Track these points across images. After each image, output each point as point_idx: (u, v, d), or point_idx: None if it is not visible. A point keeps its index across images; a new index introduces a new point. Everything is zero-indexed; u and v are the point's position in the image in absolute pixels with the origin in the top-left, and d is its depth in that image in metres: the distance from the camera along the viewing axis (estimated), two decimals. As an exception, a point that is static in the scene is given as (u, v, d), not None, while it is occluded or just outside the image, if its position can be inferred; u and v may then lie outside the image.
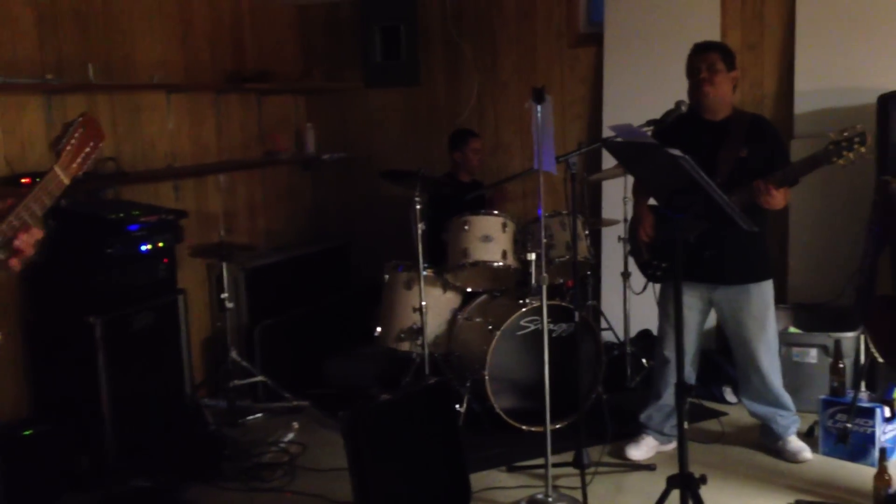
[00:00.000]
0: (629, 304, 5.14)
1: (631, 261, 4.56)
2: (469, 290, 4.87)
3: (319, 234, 6.46)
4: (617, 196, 5.15)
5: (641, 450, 4.12)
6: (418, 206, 4.42)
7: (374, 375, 5.01)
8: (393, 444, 3.29)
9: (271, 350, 5.17)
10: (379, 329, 4.82)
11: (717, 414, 4.59)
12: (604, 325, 5.38)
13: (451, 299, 4.84)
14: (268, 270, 5.46)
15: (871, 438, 3.88)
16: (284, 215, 6.21)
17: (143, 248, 4.27)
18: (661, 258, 4.09)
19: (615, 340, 5.32)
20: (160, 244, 4.36)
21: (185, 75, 5.27)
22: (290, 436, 4.46)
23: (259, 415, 4.87)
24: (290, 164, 6.23)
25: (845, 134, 3.56)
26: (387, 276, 4.88)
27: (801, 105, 5.14)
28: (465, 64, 6.08)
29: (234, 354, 4.88)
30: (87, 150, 2.12)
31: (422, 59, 6.20)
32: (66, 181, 2.09)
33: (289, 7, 6.29)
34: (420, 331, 4.53)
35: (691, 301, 4.00)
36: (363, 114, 6.43)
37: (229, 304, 4.89)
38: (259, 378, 4.96)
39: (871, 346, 3.52)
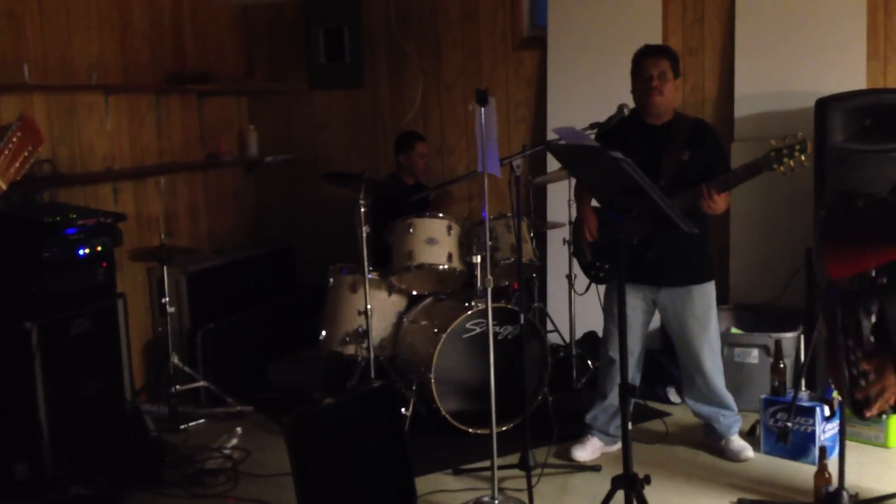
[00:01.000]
0: (574, 306, 5.16)
1: (576, 263, 4.59)
2: (414, 292, 4.85)
3: (263, 236, 6.39)
4: (562, 198, 5.17)
5: (587, 451, 4.14)
6: (363, 209, 4.39)
7: (318, 379, 4.97)
8: (337, 449, 3.26)
9: (214, 354, 5.10)
10: (324, 332, 4.78)
11: (661, 414, 4.63)
12: (550, 327, 5.40)
13: (396, 302, 4.81)
14: (210, 274, 5.39)
15: (811, 437, 3.94)
16: (227, 218, 6.13)
17: (81, 252, 4.17)
18: (604, 260, 4.12)
19: (561, 342, 5.34)
20: (98, 248, 4.26)
21: (124, 76, 5.18)
22: (234, 441, 4.41)
23: (202, 420, 4.80)
24: (232, 166, 6.15)
25: (786, 141, 3.62)
26: (331, 279, 4.84)
27: (741, 109, 5.22)
28: (409, 66, 6.07)
29: (175, 359, 4.80)
30: (25, 154, 2.08)
31: (366, 60, 6.17)
32: (4, 187, 2.04)
33: (231, 7, 6.21)
34: (365, 334, 4.50)
35: (635, 302, 4.04)
36: (307, 116, 6.38)
37: (170, 309, 4.81)
38: (201, 383, 4.89)
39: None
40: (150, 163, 5.37)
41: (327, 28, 6.15)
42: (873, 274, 2.13)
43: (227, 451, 4.30)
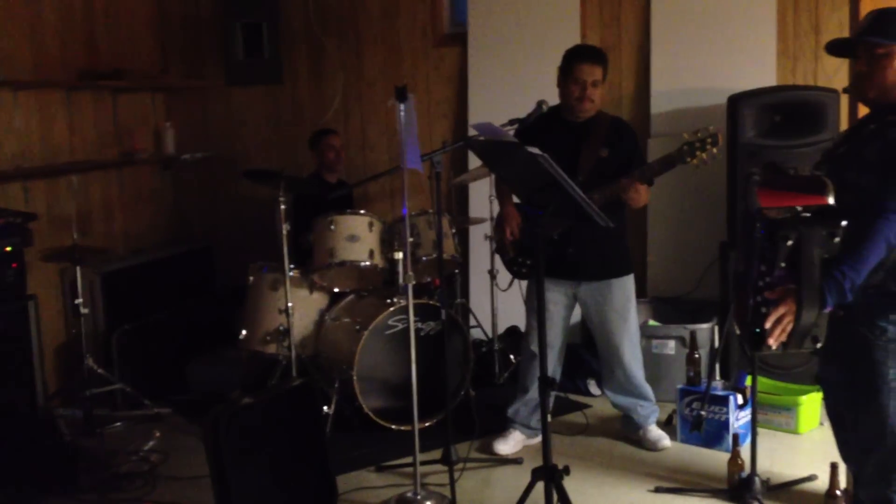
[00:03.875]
0: (497, 302, 5.20)
1: (498, 258, 4.61)
2: (336, 290, 4.81)
3: (181, 235, 6.27)
4: (483, 194, 5.20)
5: (509, 444, 4.18)
6: (283, 207, 4.35)
7: (239, 379, 4.90)
8: (256, 449, 3.22)
9: (131, 356, 4.99)
10: (244, 332, 4.71)
11: (581, 406, 4.69)
12: (472, 322, 5.42)
13: (317, 300, 4.77)
14: (126, 274, 5.27)
15: (725, 425, 4.04)
16: (143, 217, 6.00)
17: (-11, 252, 4.05)
18: (525, 255, 4.15)
19: (484, 337, 5.37)
20: (7, 248, 4.16)
21: (34, 72, 5.02)
22: (151, 444, 4.32)
23: (118, 424, 4.69)
24: (148, 164, 6.02)
25: (698, 135, 3.71)
26: (251, 278, 4.77)
27: (657, 105, 5.32)
28: (329, 62, 6.02)
29: (89, 362, 4.67)
30: None
31: (285, 56, 6.11)
32: None
33: (145, 2, 6.07)
34: (286, 333, 4.45)
35: (556, 297, 4.08)
36: (225, 112, 6.28)
37: (84, 310, 4.68)
38: (117, 385, 4.77)
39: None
40: (62, 161, 5.22)
41: (245, 23, 6.06)
42: (799, 208, 2.29)
43: (143, 454, 4.21)
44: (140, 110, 6.01)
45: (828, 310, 2.30)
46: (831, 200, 2.33)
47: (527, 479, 3.14)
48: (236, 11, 6.07)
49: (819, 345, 2.33)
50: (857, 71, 2.58)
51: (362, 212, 4.73)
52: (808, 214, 2.29)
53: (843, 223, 2.25)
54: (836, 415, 2.67)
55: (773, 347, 2.30)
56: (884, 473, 2.53)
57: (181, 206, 6.37)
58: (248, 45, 6.07)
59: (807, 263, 2.23)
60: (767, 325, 2.27)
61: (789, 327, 2.27)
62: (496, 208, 4.58)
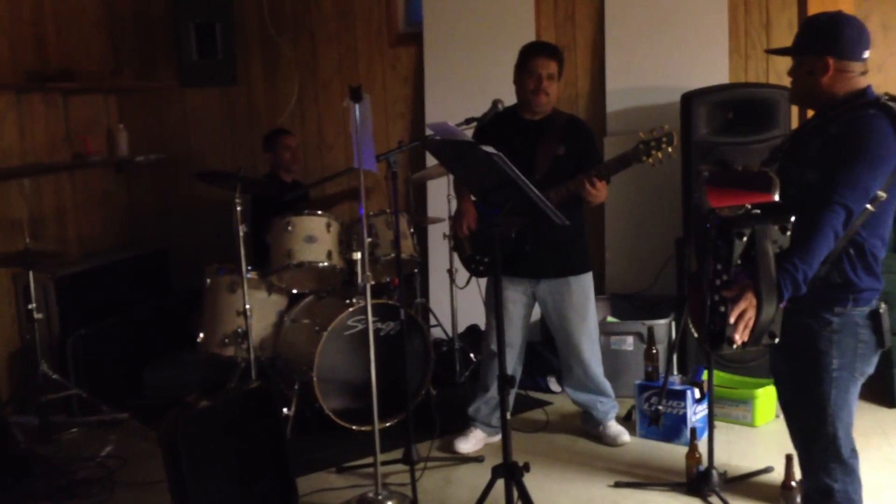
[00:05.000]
0: (457, 300, 5.20)
1: (456, 257, 4.62)
2: (295, 291, 4.79)
3: (136, 238, 6.19)
4: (442, 193, 5.20)
5: (470, 442, 4.18)
6: (239, 208, 4.31)
7: (197, 383, 4.85)
8: (214, 452, 3.19)
9: (86, 361, 4.91)
10: (201, 335, 4.66)
11: (542, 403, 4.72)
12: (433, 321, 5.42)
13: (276, 301, 4.74)
14: (80, 278, 5.19)
15: (683, 419, 4.08)
16: (97, 220, 5.91)
17: (-63, 258, 3.97)
18: (483, 253, 4.16)
19: (444, 336, 5.38)
20: (-43, 254, 4.06)
21: (-19, 73, 4.94)
22: (108, 449, 4.26)
23: (75, 430, 4.63)
24: (101, 166, 5.94)
25: (654, 134, 3.74)
26: (208, 280, 4.72)
27: (613, 103, 5.36)
28: (284, 62, 5.99)
29: (44, 367, 4.60)
30: None
31: (239, 57, 6.06)
32: None
33: (96, 3, 5.98)
34: (245, 335, 4.42)
35: (515, 295, 4.10)
36: (179, 114, 6.22)
37: (38, 315, 4.61)
38: (73, 391, 4.70)
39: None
40: (13, 164, 5.11)
41: (198, 24, 6.01)
42: (749, 206, 2.33)
43: (101, 461, 4.16)
44: (92, 112, 5.92)
45: (784, 304, 2.33)
46: (776, 197, 2.39)
47: (487, 476, 3.15)
48: (189, 12, 6.01)
49: (776, 340, 2.37)
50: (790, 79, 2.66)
51: (320, 213, 4.71)
52: (758, 211, 2.33)
53: (793, 218, 2.29)
54: (785, 405, 2.73)
55: (738, 344, 2.32)
56: (824, 462, 2.59)
57: (135, 209, 6.29)
58: (202, 45, 6.01)
59: (763, 258, 2.27)
60: (731, 320, 2.29)
61: (751, 323, 2.29)
62: (455, 207, 4.59)
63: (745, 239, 2.27)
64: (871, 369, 2.58)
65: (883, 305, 2.53)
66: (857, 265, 2.48)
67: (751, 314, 2.29)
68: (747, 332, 2.31)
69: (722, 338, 2.35)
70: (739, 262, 2.29)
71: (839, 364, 2.51)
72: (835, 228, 2.35)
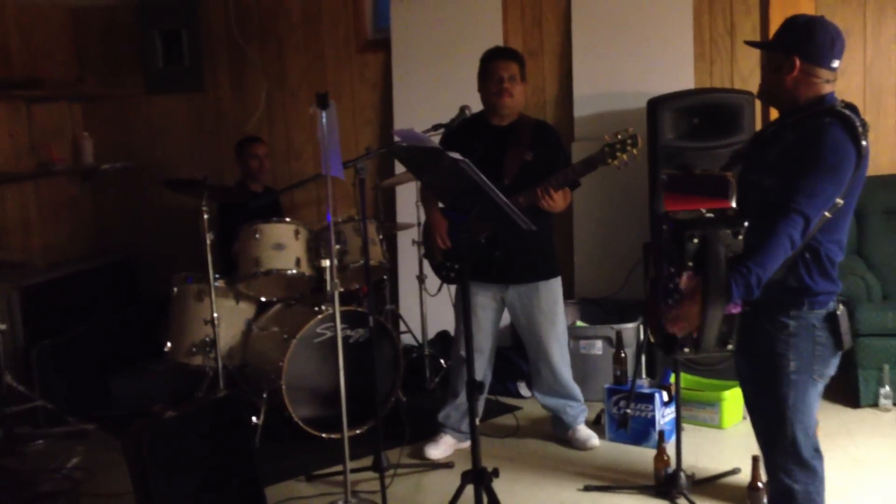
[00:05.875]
0: (427, 307, 5.20)
1: (426, 263, 4.62)
2: (263, 299, 4.76)
3: (103, 247, 6.14)
4: (411, 200, 5.20)
5: (440, 449, 4.18)
6: (206, 216, 4.28)
7: (165, 393, 4.81)
8: (181, 463, 3.16)
9: (52, 372, 4.85)
10: (169, 344, 4.62)
11: (512, 409, 4.72)
12: (403, 328, 5.42)
13: (244, 310, 4.71)
14: (45, 288, 5.12)
15: (651, 422, 4.10)
16: (63, 229, 5.86)
17: None
18: (454, 260, 4.16)
19: (414, 343, 5.37)
20: (-82, 264, 4.00)
21: (-57, 81, 4.88)
22: (74, 461, 4.21)
23: (40, 441, 4.56)
24: (66, 175, 5.88)
25: (618, 136, 3.77)
26: (175, 289, 4.69)
27: (580, 109, 5.39)
28: (252, 69, 5.96)
29: (8, 378, 4.54)
30: None
31: (206, 64, 6.03)
32: None
33: (60, 10, 5.93)
34: (213, 344, 4.39)
35: (485, 301, 4.10)
36: (145, 121, 6.17)
37: (1, 325, 4.55)
38: (38, 402, 4.64)
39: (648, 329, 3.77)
40: (-24, 173, 5.07)
41: (164, 31, 5.97)
42: (704, 211, 2.37)
43: (67, 473, 4.11)
44: (57, 120, 5.87)
45: (737, 309, 2.36)
46: (733, 202, 2.42)
47: (457, 482, 3.14)
48: (155, 19, 5.97)
49: (730, 346, 2.40)
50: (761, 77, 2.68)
51: (288, 220, 4.69)
52: (711, 215, 2.37)
53: (746, 223, 2.32)
54: (749, 407, 2.75)
55: (689, 348, 2.35)
56: (785, 464, 2.61)
57: (102, 218, 6.24)
58: (168, 52, 5.98)
59: (713, 260, 2.30)
60: (671, 315, 2.32)
61: (694, 323, 2.32)
62: (424, 213, 4.59)
63: (696, 241, 2.30)
64: (831, 371, 2.60)
65: (841, 307, 2.56)
66: (813, 269, 2.51)
67: (695, 312, 2.31)
68: (690, 327, 2.34)
69: (675, 342, 2.38)
70: (691, 264, 2.32)
71: (797, 367, 2.54)
72: (791, 236, 2.38)
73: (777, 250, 2.36)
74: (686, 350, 2.38)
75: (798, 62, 2.52)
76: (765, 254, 2.35)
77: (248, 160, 5.30)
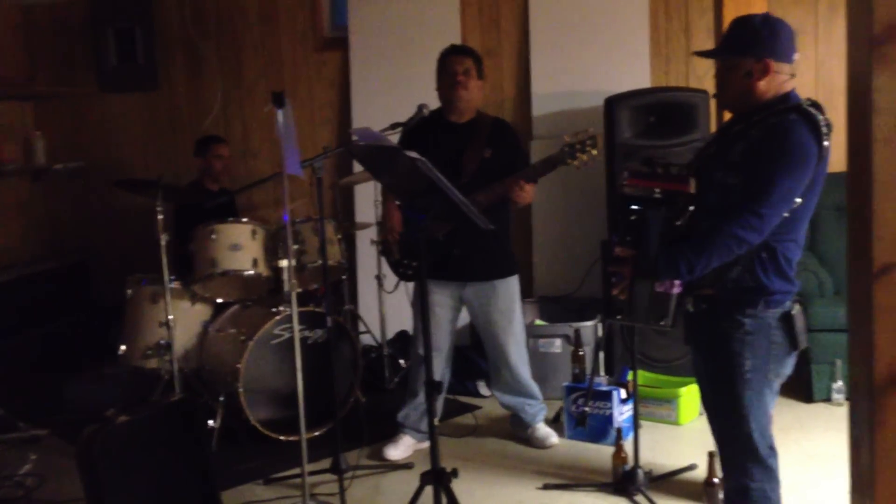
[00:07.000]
0: (386, 306, 5.18)
1: (384, 262, 4.60)
2: (220, 300, 4.70)
3: (55, 249, 6.03)
4: (369, 199, 5.17)
5: (399, 449, 4.16)
6: (160, 216, 4.22)
7: (120, 397, 4.72)
8: (135, 468, 3.11)
9: (3, 377, 4.76)
10: (123, 347, 4.55)
11: (471, 408, 4.72)
12: (362, 328, 5.39)
13: (200, 311, 4.65)
14: (-4, 291, 5.04)
15: (609, 420, 4.12)
16: (13, 231, 5.75)
17: None
18: (411, 257, 4.14)
19: (373, 343, 5.34)
20: None
21: None
22: (26, 467, 4.13)
23: (-9, 448, 4.48)
24: (17, 175, 5.78)
25: (578, 136, 3.78)
26: (129, 291, 4.61)
27: (538, 107, 5.40)
28: (207, 67, 5.90)
29: (-43, 385, 4.45)
30: None
31: (161, 62, 5.95)
32: None
33: (10, 8, 5.82)
34: (168, 346, 4.33)
35: (442, 299, 4.09)
36: (99, 120, 6.08)
37: (-50, 330, 4.46)
38: (-11, 408, 4.55)
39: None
40: (-78, 174, 4.96)
41: (117, 28, 5.87)
42: (656, 190, 2.52)
43: (19, 479, 4.03)
44: (7, 119, 5.76)
45: (676, 290, 2.48)
46: (692, 189, 2.49)
47: (417, 483, 3.13)
48: (108, 16, 5.87)
49: (663, 322, 2.54)
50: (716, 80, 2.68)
51: (244, 220, 4.64)
52: (659, 196, 2.48)
53: (691, 208, 2.43)
54: (706, 405, 2.77)
55: (618, 297, 2.56)
56: (741, 461, 2.63)
57: (54, 219, 6.13)
58: (121, 50, 5.88)
59: (644, 235, 2.46)
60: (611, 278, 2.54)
61: (625, 290, 2.54)
62: (381, 213, 4.57)
63: (633, 217, 2.48)
64: (787, 370, 2.62)
65: (797, 307, 2.57)
66: (769, 268, 2.51)
67: (626, 276, 2.53)
68: (623, 293, 2.56)
69: (613, 307, 2.59)
70: (629, 238, 2.50)
71: (752, 366, 2.54)
72: (739, 235, 2.40)
73: (720, 247, 2.42)
74: (619, 317, 2.61)
75: (772, 64, 2.49)
76: (704, 245, 2.42)
77: (211, 161, 5.24)
